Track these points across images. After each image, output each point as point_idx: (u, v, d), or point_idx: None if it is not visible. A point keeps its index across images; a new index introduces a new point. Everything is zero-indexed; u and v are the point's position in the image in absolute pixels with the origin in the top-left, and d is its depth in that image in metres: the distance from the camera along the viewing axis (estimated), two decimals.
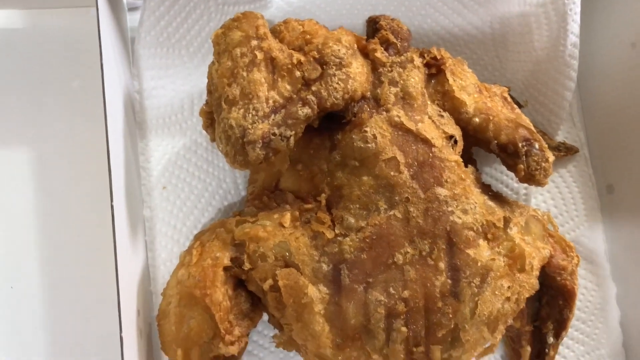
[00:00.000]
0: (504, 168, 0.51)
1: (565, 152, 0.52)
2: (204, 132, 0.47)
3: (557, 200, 0.52)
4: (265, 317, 0.45)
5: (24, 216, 0.46)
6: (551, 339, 0.46)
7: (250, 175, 0.44)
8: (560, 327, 0.46)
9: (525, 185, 0.51)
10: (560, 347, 0.50)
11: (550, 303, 0.45)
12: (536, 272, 0.41)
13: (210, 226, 0.42)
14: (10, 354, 0.44)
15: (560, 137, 0.52)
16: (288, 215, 0.40)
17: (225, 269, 0.39)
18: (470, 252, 0.39)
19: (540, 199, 0.52)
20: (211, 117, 0.43)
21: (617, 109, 0.51)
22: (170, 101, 0.47)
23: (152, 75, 0.47)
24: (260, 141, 0.37)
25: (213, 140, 0.47)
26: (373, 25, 0.44)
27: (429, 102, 0.41)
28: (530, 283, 0.41)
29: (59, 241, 0.46)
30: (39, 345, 0.44)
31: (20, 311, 0.45)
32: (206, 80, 0.41)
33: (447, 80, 0.42)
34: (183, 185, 0.47)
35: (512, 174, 0.51)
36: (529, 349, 0.46)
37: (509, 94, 0.49)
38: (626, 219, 0.50)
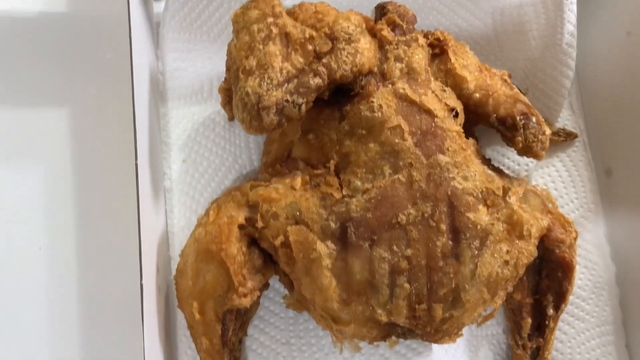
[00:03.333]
0: (505, 150, 0.54)
1: (564, 137, 0.54)
2: (222, 111, 0.51)
3: (557, 184, 0.54)
4: (274, 283, 0.48)
5: (57, 173, 0.50)
6: (551, 311, 0.47)
7: (264, 147, 0.47)
8: (560, 299, 0.47)
9: (526, 167, 0.53)
10: (561, 324, 0.51)
11: (550, 276, 0.47)
12: (534, 240, 0.43)
13: (226, 191, 0.45)
14: (43, 307, 0.47)
15: (560, 124, 0.55)
16: (299, 179, 0.42)
17: (240, 227, 0.42)
18: (470, 215, 0.41)
19: (541, 182, 0.54)
20: (229, 95, 0.47)
21: (614, 96, 0.53)
22: (191, 82, 0.51)
23: (174, 57, 0.50)
24: (274, 107, 0.40)
25: (230, 118, 0.51)
26: (381, 10, 0.47)
27: (432, 79, 0.44)
28: (528, 250, 0.43)
29: (87, 201, 0.50)
30: (69, 297, 0.48)
31: (50, 267, 0.48)
32: (224, 65, 0.45)
33: (450, 59, 0.45)
34: (201, 160, 0.50)
35: (513, 157, 0.53)
36: (529, 320, 0.48)
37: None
38: (624, 201, 0.52)
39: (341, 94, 0.43)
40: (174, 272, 0.44)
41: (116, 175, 0.49)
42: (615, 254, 0.53)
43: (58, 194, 0.50)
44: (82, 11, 0.53)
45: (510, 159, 0.53)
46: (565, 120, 0.55)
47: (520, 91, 0.53)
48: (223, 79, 0.47)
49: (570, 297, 0.50)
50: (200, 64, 0.51)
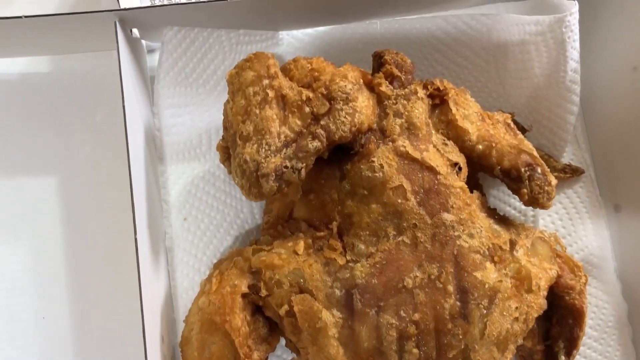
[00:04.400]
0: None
1: (571, 173, 0.53)
2: (221, 165, 0.50)
3: (565, 221, 0.53)
4: (283, 342, 0.47)
5: (52, 242, 0.49)
6: (563, 358, 0.47)
7: (265, 206, 0.47)
8: (572, 345, 0.47)
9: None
10: None
11: (561, 322, 0.46)
12: (544, 292, 0.43)
13: (229, 255, 0.44)
14: None
15: (565, 159, 0.54)
16: (302, 243, 0.42)
17: (243, 295, 0.41)
18: (478, 274, 0.40)
19: (549, 219, 0.53)
20: (228, 152, 0.46)
21: (621, 130, 0.52)
22: (189, 137, 0.50)
23: (171, 113, 0.50)
24: (273, 174, 0.39)
25: (230, 173, 0.50)
26: (378, 60, 0.46)
27: (433, 132, 0.43)
28: (538, 303, 0.42)
29: (85, 269, 0.49)
30: None
31: (52, 339, 0.47)
32: (222, 116, 0.44)
33: (451, 109, 0.44)
34: (202, 216, 0.49)
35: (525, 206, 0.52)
36: None
37: (514, 120, 0.51)
38: (635, 236, 0.51)
39: (341, 152, 0.42)
40: (179, 334, 0.44)
41: (114, 238, 0.49)
42: (627, 291, 0.52)
43: (52, 264, 0.49)
44: (71, 70, 0.52)
45: (516, 198, 0.52)
46: (572, 155, 0.54)
47: (524, 128, 0.53)
48: (221, 137, 0.46)
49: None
50: (197, 117, 0.50)
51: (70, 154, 0.51)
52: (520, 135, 0.46)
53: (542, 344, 0.47)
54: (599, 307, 0.52)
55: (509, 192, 0.52)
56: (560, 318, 0.46)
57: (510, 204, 0.52)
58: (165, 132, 0.50)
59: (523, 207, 0.52)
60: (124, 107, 0.43)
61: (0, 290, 0.48)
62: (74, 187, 0.50)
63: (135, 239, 0.42)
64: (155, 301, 0.44)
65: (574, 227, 0.53)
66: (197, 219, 0.49)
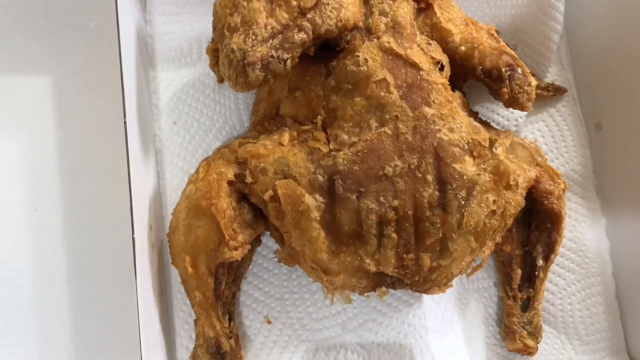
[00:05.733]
0: (495, 107, 0.54)
1: (554, 92, 0.54)
2: (211, 73, 0.51)
3: (547, 138, 0.54)
4: (268, 242, 0.49)
5: (44, 139, 0.51)
6: (541, 262, 0.48)
7: (253, 107, 0.48)
8: (549, 249, 0.48)
9: (516, 122, 0.54)
10: (552, 275, 0.52)
11: (539, 227, 0.48)
12: (522, 191, 0.44)
13: (216, 149, 0.45)
14: (33, 267, 0.48)
15: (549, 79, 0.55)
16: (287, 135, 0.43)
17: (230, 183, 0.42)
18: (457, 166, 0.41)
19: (531, 137, 0.54)
20: (217, 56, 0.47)
21: (603, 50, 0.53)
22: (180, 45, 0.51)
23: (163, 20, 0.51)
24: (260, 63, 0.40)
25: (220, 80, 0.51)
26: None
27: (417, 33, 0.45)
28: (515, 199, 0.44)
29: (76, 164, 0.50)
30: (60, 259, 0.49)
31: (43, 230, 0.49)
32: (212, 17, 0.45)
33: (435, 13, 0.45)
34: (192, 121, 0.50)
35: (503, 112, 0.54)
36: (519, 272, 0.49)
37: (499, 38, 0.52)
38: (614, 154, 0.53)
39: (327, 50, 0.43)
40: (166, 229, 0.45)
41: (106, 138, 0.50)
42: (606, 207, 0.53)
43: (46, 158, 0.50)
44: None
45: (499, 114, 0.53)
46: (555, 75, 0.55)
47: (509, 47, 0.53)
48: (210, 40, 0.47)
49: (560, 250, 0.51)
50: (188, 26, 0.51)
51: (65, 58, 0.52)
52: (503, 42, 0.47)
53: (520, 249, 0.49)
54: (579, 221, 0.53)
55: (492, 108, 0.54)
56: (539, 223, 0.48)
57: (494, 119, 0.53)
58: (157, 39, 0.51)
59: (506, 122, 0.53)
60: (117, 13, 0.44)
61: None
62: (66, 89, 0.51)
63: (126, 138, 0.43)
64: (144, 196, 0.45)
65: (555, 144, 0.54)
66: (187, 124, 0.50)
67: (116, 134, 0.45)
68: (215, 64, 0.48)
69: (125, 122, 0.43)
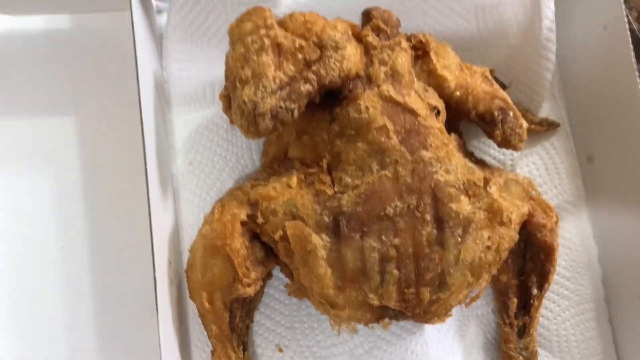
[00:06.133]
0: (491, 142, 0.57)
1: (547, 127, 0.57)
2: (224, 115, 0.54)
3: (541, 171, 0.57)
4: (279, 274, 0.52)
5: (69, 180, 0.54)
6: (535, 291, 0.51)
7: (263, 148, 0.51)
8: (543, 279, 0.51)
9: (511, 156, 0.56)
10: (546, 302, 0.55)
11: (533, 258, 0.50)
12: (515, 226, 0.47)
13: (229, 191, 0.49)
14: (61, 302, 0.52)
15: (543, 114, 0.58)
16: (294, 178, 0.46)
17: (242, 223, 0.45)
18: (453, 205, 0.44)
19: (526, 170, 0.57)
20: (229, 101, 0.50)
21: (594, 86, 0.56)
22: (195, 89, 0.55)
23: (178, 67, 0.54)
24: (269, 113, 0.43)
25: (232, 122, 0.55)
26: (366, 16, 0.50)
27: (415, 80, 0.48)
28: (509, 235, 0.46)
29: (101, 204, 0.54)
30: (84, 293, 0.52)
31: (71, 267, 0.52)
32: (224, 68, 0.48)
33: (432, 60, 0.48)
34: (206, 161, 0.54)
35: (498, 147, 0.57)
36: (515, 300, 0.52)
37: (494, 76, 0.55)
38: (605, 185, 0.55)
39: (331, 98, 0.47)
40: (184, 264, 0.49)
41: (127, 177, 0.54)
42: (598, 236, 0.56)
43: (71, 197, 0.54)
44: (89, 27, 0.57)
45: (495, 149, 0.56)
46: (549, 110, 0.58)
47: (504, 85, 0.57)
48: (223, 87, 0.51)
49: (555, 277, 0.54)
50: (202, 71, 0.55)
51: (87, 101, 0.56)
52: (496, 85, 0.50)
53: (516, 279, 0.52)
54: (572, 250, 0.56)
55: (489, 142, 0.57)
56: (533, 254, 0.50)
57: (490, 154, 0.56)
58: (173, 84, 0.54)
59: (502, 157, 0.56)
60: (136, 61, 0.48)
61: (22, 222, 0.53)
62: (89, 130, 0.55)
63: (146, 178, 0.46)
64: (164, 233, 0.49)
65: (549, 177, 0.57)
66: (202, 164, 0.54)
67: (136, 174, 0.49)
68: (227, 108, 0.51)
69: (145, 163, 0.46)
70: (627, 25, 0.50)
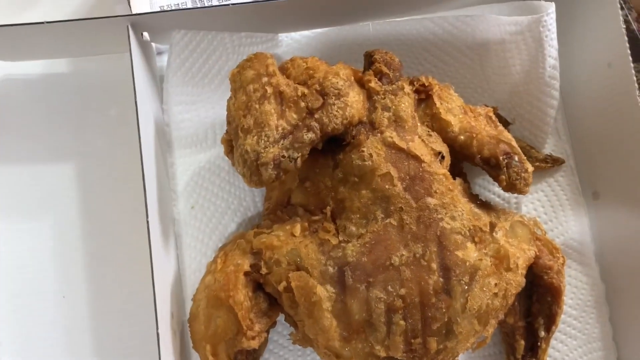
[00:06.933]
0: None
1: (552, 163, 0.57)
2: (225, 157, 0.54)
3: (547, 208, 0.57)
4: (282, 319, 0.51)
5: (70, 227, 0.54)
6: (542, 333, 0.50)
7: (266, 193, 0.51)
8: (550, 321, 0.50)
9: (516, 195, 0.56)
10: (554, 342, 0.54)
11: (540, 300, 0.50)
12: (522, 271, 0.46)
13: (232, 238, 0.48)
14: (63, 351, 0.51)
15: (547, 150, 0.57)
16: (298, 226, 0.46)
17: (246, 274, 0.45)
18: (459, 253, 0.44)
19: (531, 206, 0.57)
20: (231, 145, 0.50)
21: (599, 122, 0.55)
22: (196, 131, 0.54)
23: (179, 109, 0.54)
24: (272, 163, 0.43)
25: (233, 164, 0.54)
26: (369, 59, 0.50)
27: (418, 124, 0.47)
28: (516, 280, 0.46)
29: (101, 252, 0.53)
30: (86, 343, 0.51)
31: (71, 316, 0.52)
32: (226, 112, 0.48)
33: (435, 104, 0.48)
34: (208, 205, 0.53)
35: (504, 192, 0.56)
36: (522, 342, 0.51)
37: (498, 113, 0.55)
38: (611, 222, 0.55)
39: (334, 143, 0.46)
40: (187, 311, 0.48)
41: (128, 223, 0.53)
42: (604, 273, 0.56)
43: (72, 243, 0.53)
44: (88, 70, 0.57)
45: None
46: (553, 146, 0.58)
47: (507, 122, 0.56)
48: (225, 131, 0.50)
49: (562, 317, 0.53)
50: (203, 114, 0.54)
51: (87, 146, 0.55)
52: (501, 127, 0.50)
53: (523, 320, 0.51)
54: (579, 288, 0.55)
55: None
56: (539, 296, 0.50)
57: (494, 192, 0.56)
58: (174, 127, 0.54)
59: (506, 194, 0.56)
60: (136, 104, 0.47)
61: (23, 271, 0.53)
62: (90, 177, 0.55)
63: (147, 225, 0.46)
64: (166, 281, 0.48)
65: (555, 214, 0.57)
66: (204, 207, 0.53)
67: (137, 219, 0.48)
68: (229, 151, 0.51)
69: (146, 208, 0.46)
70: (632, 65, 0.50)
